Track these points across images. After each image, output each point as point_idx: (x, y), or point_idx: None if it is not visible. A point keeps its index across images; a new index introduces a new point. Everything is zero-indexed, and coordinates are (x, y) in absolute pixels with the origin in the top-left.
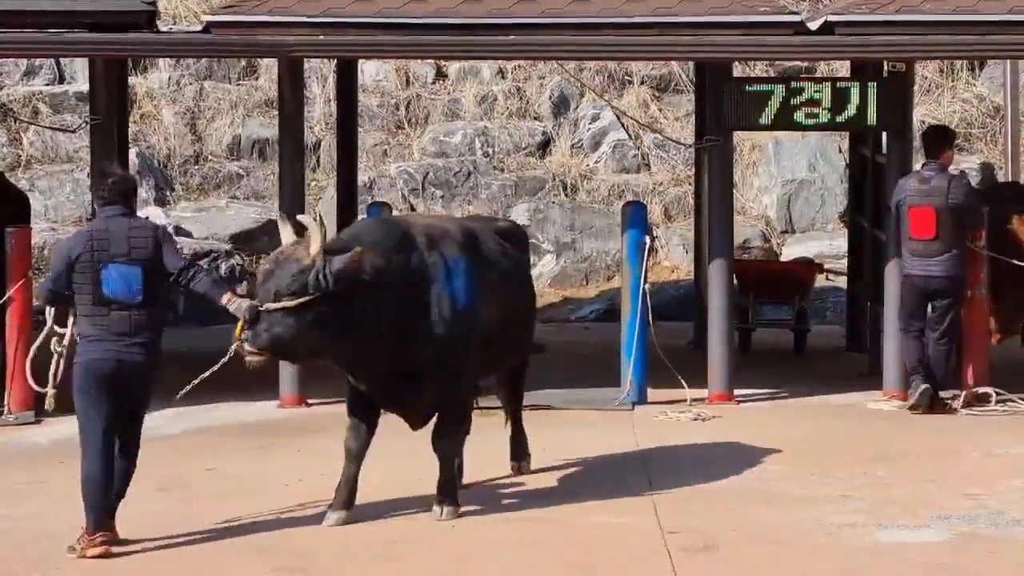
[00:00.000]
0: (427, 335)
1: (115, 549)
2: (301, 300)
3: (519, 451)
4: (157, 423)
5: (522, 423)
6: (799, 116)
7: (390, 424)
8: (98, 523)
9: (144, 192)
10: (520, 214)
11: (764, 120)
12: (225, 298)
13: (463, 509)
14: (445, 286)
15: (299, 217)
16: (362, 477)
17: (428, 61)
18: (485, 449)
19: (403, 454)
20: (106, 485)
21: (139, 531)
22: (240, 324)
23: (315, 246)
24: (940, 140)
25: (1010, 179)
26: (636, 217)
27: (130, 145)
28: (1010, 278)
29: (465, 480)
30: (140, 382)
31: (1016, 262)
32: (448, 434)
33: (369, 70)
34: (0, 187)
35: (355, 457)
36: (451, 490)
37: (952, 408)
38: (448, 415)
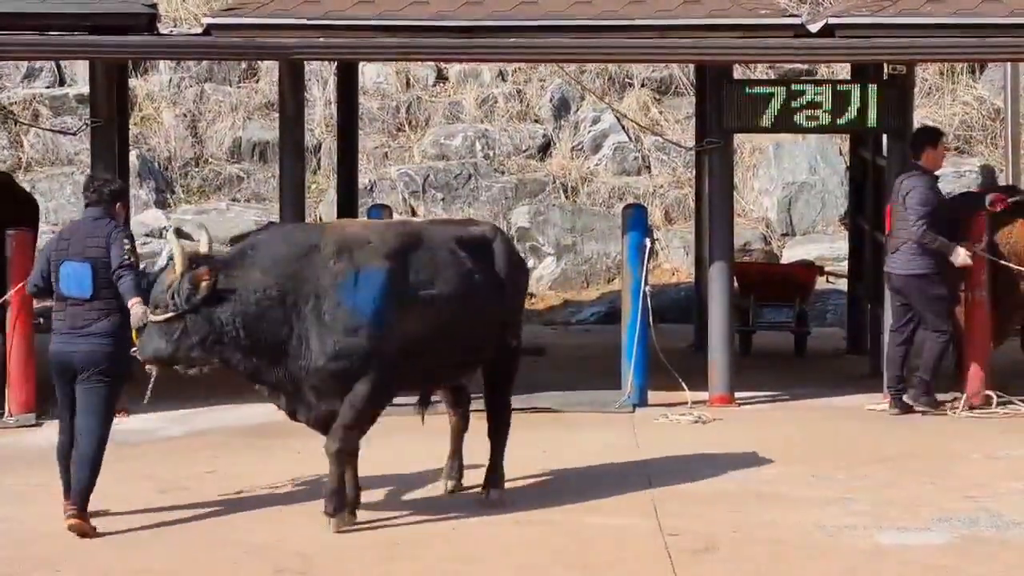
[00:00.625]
0: (320, 347)
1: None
2: (167, 316)
3: (492, 477)
4: (157, 425)
5: (501, 449)
6: (800, 118)
7: (392, 425)
8: (66, 491)
9: (144, 195)
10: (521, 216)
11: (765, 122)
12: (131, 303)
13: (462, 513)
14: (345, 297)
15: (168, 234)
16: (363, 479)
17: (429, 64)
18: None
19: (406, 455)
20: (67, 459)
21: (140, 533)
22: (134, 332)
23: (177, 264)
24: (916, 141)
25: (1010, 182)
26: (637, 219)
27: (131, 147)
28: (1004, 282)
29: (464, 483)
30: (90, 372)
31: (1010, 264)
32: (335, 436)
33: (370, 72)
34: (8, 190)
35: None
36: (332, 497)
37: (951, 408)
38: (341, 419)
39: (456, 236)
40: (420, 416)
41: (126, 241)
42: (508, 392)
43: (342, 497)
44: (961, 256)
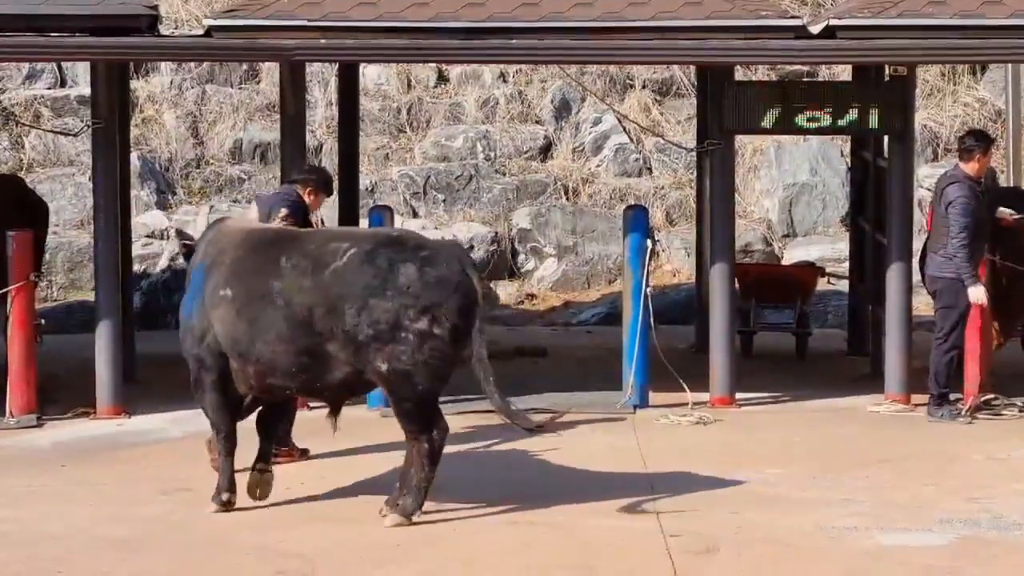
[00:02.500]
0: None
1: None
2: None
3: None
4: (158, 427)
5: (416, 479)
6: (801, 120)
7: (392, 428)
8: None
9: (145, 196)
10: (522, 218)
11: (766, 124)
12: None
13: (463, 515)
14: (186, 292)
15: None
16: (365, 481)
17: (430, 65)
18: (486, 455)
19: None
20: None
21: (142, 535)
22: None
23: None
24: (968, 145)
25: (1012, 183)
26: (638, 221)
27: (132, 149)
28: (1013, 283)
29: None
30: None
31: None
32: None
33: (371, 74)
34: (19, 193)
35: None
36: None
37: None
38: None
39: (310, 245)
40: (332, 426)
41: (282, 209)
42: (409, 422)
43: (225, 482)
44: (976, 294)
